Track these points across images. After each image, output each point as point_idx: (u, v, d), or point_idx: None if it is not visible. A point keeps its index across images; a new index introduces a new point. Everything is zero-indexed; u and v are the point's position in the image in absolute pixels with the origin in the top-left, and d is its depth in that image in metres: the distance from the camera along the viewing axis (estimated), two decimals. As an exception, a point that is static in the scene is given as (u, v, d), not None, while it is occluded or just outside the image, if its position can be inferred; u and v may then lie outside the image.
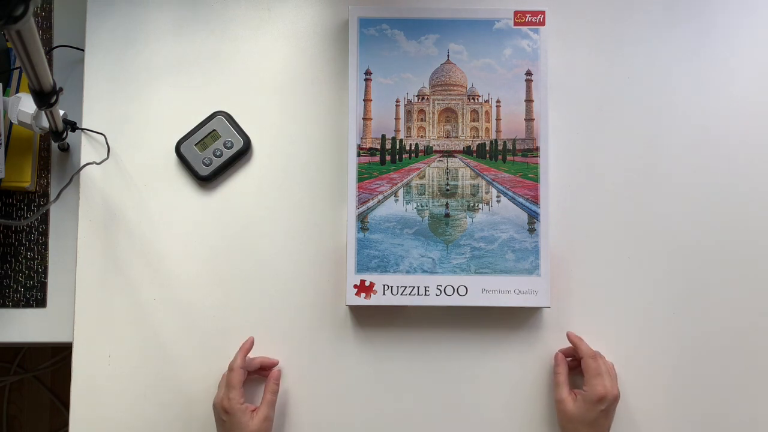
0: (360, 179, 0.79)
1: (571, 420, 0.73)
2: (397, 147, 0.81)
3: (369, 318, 0.81)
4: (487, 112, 0.81)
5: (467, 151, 0.81)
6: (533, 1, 0.82)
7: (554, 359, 0.79)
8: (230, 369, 0.75)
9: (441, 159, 0.81)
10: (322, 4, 0.84)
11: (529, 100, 0.80)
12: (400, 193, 0.80)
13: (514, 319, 0.81)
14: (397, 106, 0.81)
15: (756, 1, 0.84)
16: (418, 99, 0.81)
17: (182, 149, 0.81)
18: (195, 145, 0.81)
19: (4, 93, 0.85)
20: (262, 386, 0.79)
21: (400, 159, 0.81)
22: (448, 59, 0.81)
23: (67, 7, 0.90)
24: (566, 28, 0.84)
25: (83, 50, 0.83)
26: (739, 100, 0.83)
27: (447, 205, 0.80)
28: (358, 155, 0.80)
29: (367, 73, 0.80)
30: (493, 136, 0.81)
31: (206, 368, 0.80)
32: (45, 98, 0.61)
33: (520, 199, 0.79)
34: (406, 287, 0.78)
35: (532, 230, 0.79)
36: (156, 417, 0.79)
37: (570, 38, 0.84)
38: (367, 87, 0.80)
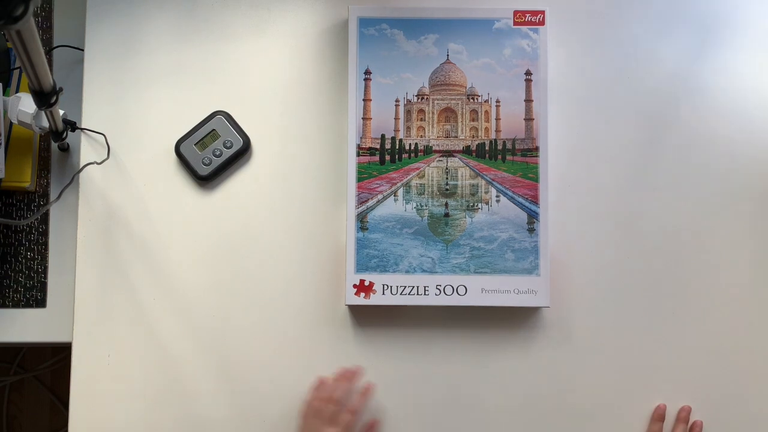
0: (359, 179, 0.79)
1: None
2: (397, 147, 0.81)
3: (369, 318, 0.81)
4: (486, 111, 0.81)
5: (467, 151, 0.81)
6: (533, 1, 0.82)
7: (655, 412, 0.79)
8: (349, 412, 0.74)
9: (440, 159, 0.81)
10: (321, 4, 0.84)
11: (528, 100, 0.80)
12: (400, 192, 0.80)
13: (514, 319, 0.81)
14: (396, 105, 0.81)
15: (757, 1, 0.84)
16: (418, 99, 0.81)
17: (182, 149, 0.81)
18: (195, 144, 0.81)
19: (4, 93, 0.85)
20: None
21: (400, 159, 0.81)
22: (447, 59, 0.81)
23: (67, 7, 0.90)
24: (566, 28, 0.84)
25: (83, 50, 0.83)
26: (740, 101, 0.83)
27: (446, 204, 0.80)
28: (358, 155, 0.80)
29: (367, 72, 0.80)
30: (493, 135, 0.81)
31: (206, 368, 0.80)
32: (45, 98, 0.61)
33: (520, 199, 0.79)
34: (405, 287, 0.78)
35: (531, 230, 0.79)
36: (156, 417, 0.79)
37: (570, 38, 0.84)
38: (366, 87, 0.80)
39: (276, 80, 0.83)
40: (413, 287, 0.78)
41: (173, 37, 0.83)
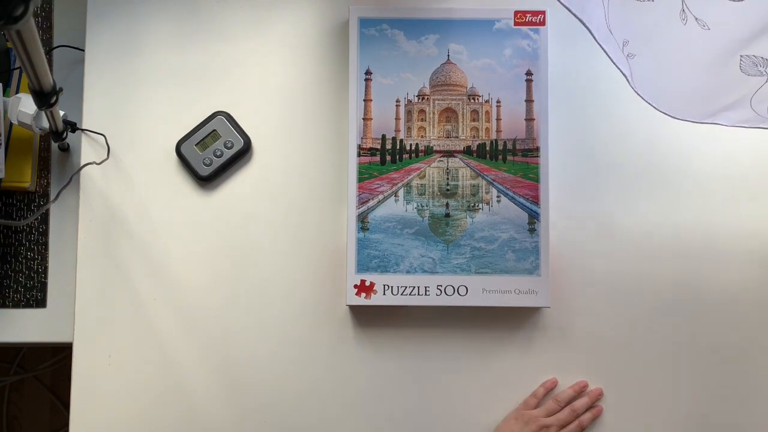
0: (360, 179, 0.79)
1: None
2: (398, 147, 0.81)
3: (369, 318, 0.81)
4: (487, 112, 0.81)
5: (467, 151, 0.81)
6: (533, 1, 0.82)
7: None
8: None
9: (441, 159, 0.81)
10: (322, 5, 0.84)
11: (529, 100, 0.80)
12: (401, 193, 0.80)
13: (514, 319, 0.81)
14: (397, 106, 0.81)
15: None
16: (419, 99, 0.81)
17: (182, 149, 0.81)
18: (195, 145, 0.81)
19: (4, 93, 0.85)
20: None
21: (401, 159, 0.81)
22: (448, 59, 0.81)
23: (67, 7, 0.90)
24: (566, 28, 0.84)
25: (83, 50, 0.83)
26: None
27: (447, 205, 0.80)
28: (359, 155, 0.80)
29: (368, 73, 0.80)
30: (494, 136, 0.81)
31: (206, 368, 0.80)
32: (45, 98, 0.61)
33: (521, 199, 0.79)
34: (406, 287, 0.78)
35: (532, 230, 0.79)
36: (156, 417, 0.79)
37: (570, 38, 0.84)
38: (367, 87, 0.80)
39: (277, 80, 0.83)
40: (414, 287, 0.78)
41: (174, 38, 0.83)
